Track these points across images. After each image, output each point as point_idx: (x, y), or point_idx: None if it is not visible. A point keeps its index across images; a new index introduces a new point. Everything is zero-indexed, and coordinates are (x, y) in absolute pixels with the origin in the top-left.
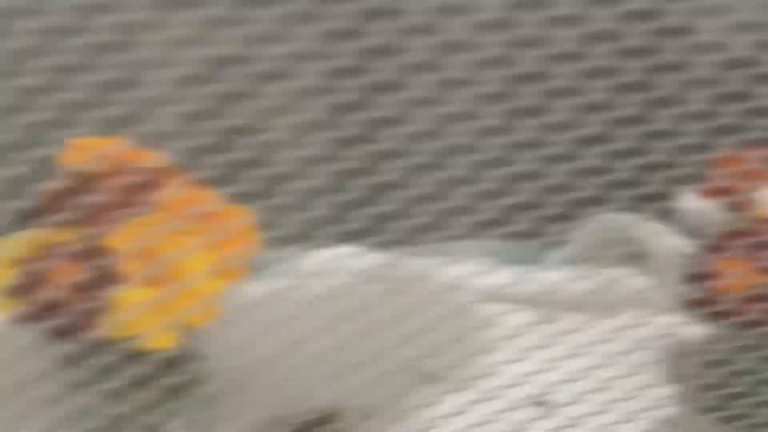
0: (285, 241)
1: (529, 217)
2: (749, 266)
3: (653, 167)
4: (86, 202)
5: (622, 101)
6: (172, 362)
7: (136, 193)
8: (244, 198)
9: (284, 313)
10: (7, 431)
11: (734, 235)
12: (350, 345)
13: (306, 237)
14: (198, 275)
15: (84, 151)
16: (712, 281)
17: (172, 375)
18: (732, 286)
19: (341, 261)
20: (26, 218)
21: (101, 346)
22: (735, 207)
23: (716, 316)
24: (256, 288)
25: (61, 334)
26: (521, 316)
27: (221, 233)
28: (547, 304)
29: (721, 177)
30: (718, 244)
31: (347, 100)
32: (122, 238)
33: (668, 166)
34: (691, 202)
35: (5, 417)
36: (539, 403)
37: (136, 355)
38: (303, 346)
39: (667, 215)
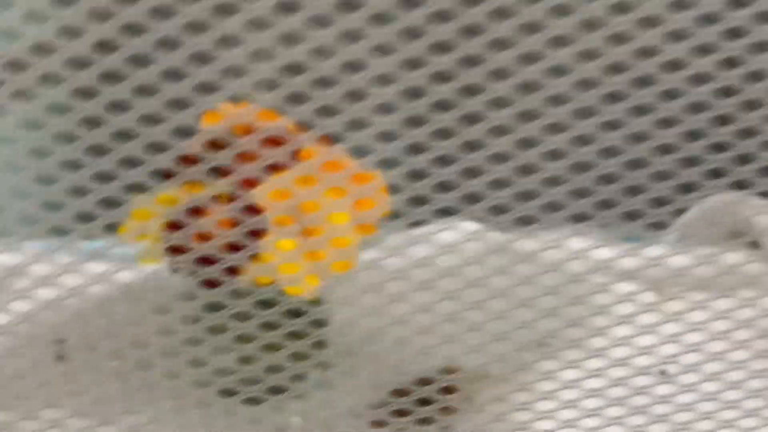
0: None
1: (638, 201)
2: None
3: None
4: (231, 159)
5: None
6: (310, 311)
7: (276, 150)
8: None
9: (409, 280)
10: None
11: None
12: (469, 311)
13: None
14: (339, 228)
15: (222, 115)
16: None
17: (311, 324)
18: None
19: (465, 237)
20: (173, 174)
21: (249, 293)
22: None
23: None
24: (384, 259)
25: (212, 282)
26: (635, 290)
27: (358, 191)
28: (657, 279)
29: None
30: None
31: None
32: (269, 193)
33: None
34: None
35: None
36: (661, 372)
37: (279, 302)
38: (425, 310)
39: None
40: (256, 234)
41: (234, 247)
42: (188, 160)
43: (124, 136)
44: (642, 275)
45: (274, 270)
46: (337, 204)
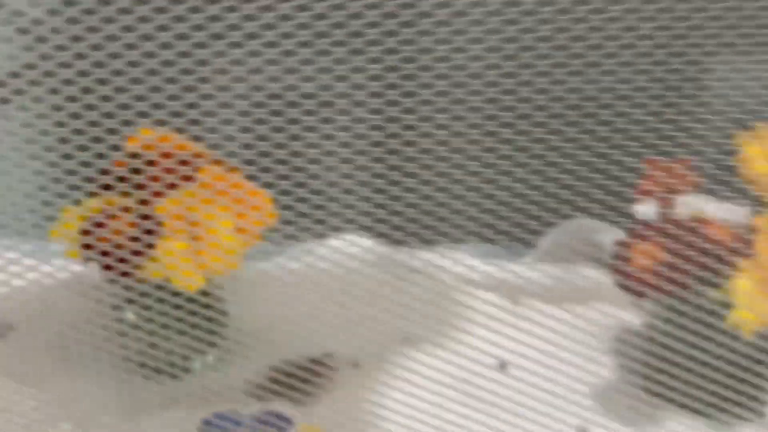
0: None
1: (513, 224)
2: (657, 250)
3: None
4: (141, 176)
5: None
6: (201, 303)
7: (181, 170)
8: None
9: (298, 281)
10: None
11: (649, 226)
12: (348, 309)
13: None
14: (222, 234)
15: (144, 139)
16: (629, 262)
17: (200, 313)
18: (641, 265)
19: (351, 248)
20: (96, 186)
21: (146, 285)
22: (662, 206)
23: (634, 289)
24: (277, 264)
25: (117, 274)
26: (492, 298)
27: (244, 205)
28: (515, 290)
29: (652, 181)
30: (637, 233)
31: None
32: (168, 204)
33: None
34: (642, 207)
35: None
36: (501, 366)
37: (172, 294)
38: (310, 307)
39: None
40: (152, 237)
41: (133, 245)
42: (108, 175)
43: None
44: (501, 285)
45: (165, 267)
46: (223, 215)
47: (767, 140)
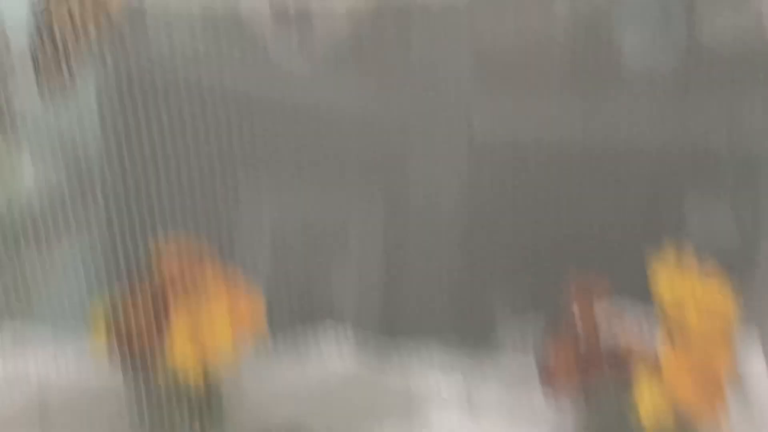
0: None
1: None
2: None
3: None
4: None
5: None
6: (204, 393)
7: (192, 280)
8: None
9: (287, 381)
10: None
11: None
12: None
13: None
14: (221, 337)
15: (169, 252)
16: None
17: (203, 403)
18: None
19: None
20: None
21: (161, 377)
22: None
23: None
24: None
25: (135, 367)
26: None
27: (239, 311)
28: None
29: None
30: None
31: None
32: (177, 307)
33: None
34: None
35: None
36: None
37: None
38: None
39: None
40: (163, 336)
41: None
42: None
43: None
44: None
45: (175, 363)
46: (222, 319)
47: (672, 265)
